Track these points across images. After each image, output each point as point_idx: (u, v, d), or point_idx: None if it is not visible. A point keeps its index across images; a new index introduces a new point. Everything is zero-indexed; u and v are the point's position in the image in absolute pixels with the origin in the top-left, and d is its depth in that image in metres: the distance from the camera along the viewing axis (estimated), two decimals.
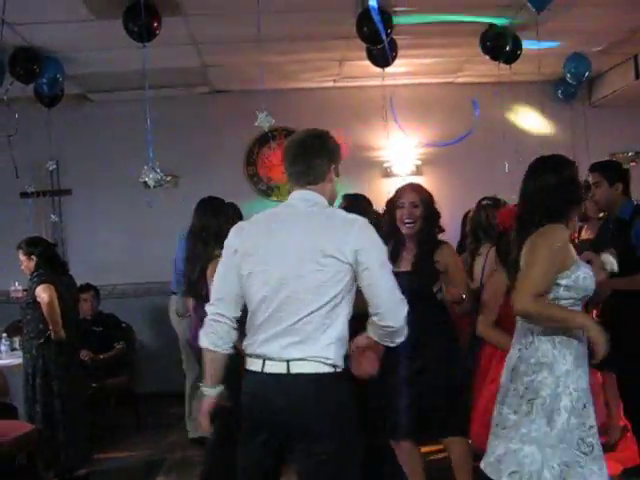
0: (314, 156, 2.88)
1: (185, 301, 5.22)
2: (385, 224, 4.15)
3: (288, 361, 2.66)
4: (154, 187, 5.63)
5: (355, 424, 2.76)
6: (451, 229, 7.11)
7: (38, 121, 6.95)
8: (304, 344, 2.66)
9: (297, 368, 2.66)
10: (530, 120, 7.83)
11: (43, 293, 5.28)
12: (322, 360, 2.66)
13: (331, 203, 2.96)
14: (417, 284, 3.76)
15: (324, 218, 2.81)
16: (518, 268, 3.04)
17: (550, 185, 3.05)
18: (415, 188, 4.11)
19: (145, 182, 5.61)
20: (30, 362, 5.33)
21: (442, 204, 7.31)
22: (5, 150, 6.26)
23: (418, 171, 8.40)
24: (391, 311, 2.70)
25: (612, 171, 4.63)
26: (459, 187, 8.09)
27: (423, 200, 4.01)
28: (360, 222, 2.76)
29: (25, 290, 5.73)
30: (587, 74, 7.20)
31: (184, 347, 6.16)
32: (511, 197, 5.21)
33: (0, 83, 6.09)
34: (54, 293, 5.29)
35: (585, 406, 2.97)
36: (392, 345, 2.80)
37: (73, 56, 6.40)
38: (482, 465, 3.11)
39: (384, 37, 5.31)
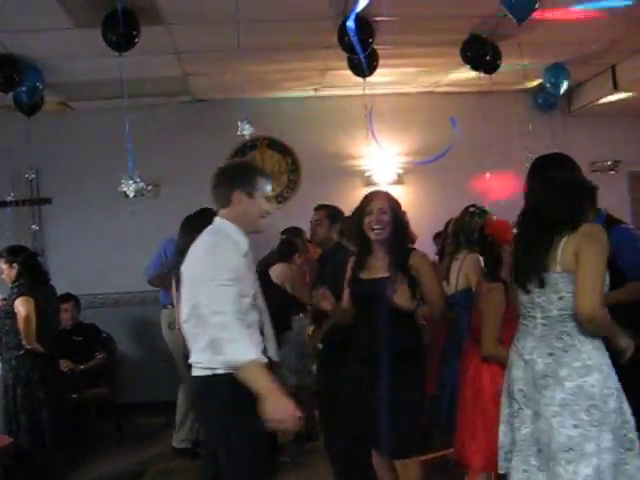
0: (216, 186, 3.36)
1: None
2: (352, 231, 4.20)
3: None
4: (134, 197, 5.61)
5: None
6: (430, 237, 7.18)
7: (18, 130, 6.91)
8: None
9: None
10: (510, 130, 7.88)
11: (20, 306, 5.24)
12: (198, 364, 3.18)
13: (251, 221, 3.33)
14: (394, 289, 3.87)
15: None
16: (544, 270, 2.97)
17: (569, 182, 3.07)
18: (383, 195, 4.07)
19: (125, 192, 5.59)
20: (10, 373, 5.29)
21: (423, 213, 7.45)
22: None
23: (399, 180, 8.42)
24: (208, 323, 3.05)
25: None
26: (440, 196, 8.14)
27: (391, 207, 3.97)
28: (200, 245, 3.27)
29: (4, 299, 5.68)
30: (566, 84, 7.26)
31: (180, 357, 5.97)
32: (492, 207, 5.29)
33: None
34: (32, 307, 5.25)
35: (623, 402, 2.96)
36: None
37: (53, 64, 6.37)
38: None
39: (361, 55, 5.37)
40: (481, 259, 4.45)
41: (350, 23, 3.14)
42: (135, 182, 5.52)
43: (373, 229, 3.91)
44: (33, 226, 7.73)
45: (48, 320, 5.45)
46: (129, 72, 5.51)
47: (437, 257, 6.60)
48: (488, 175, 6.93)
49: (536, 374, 2.99)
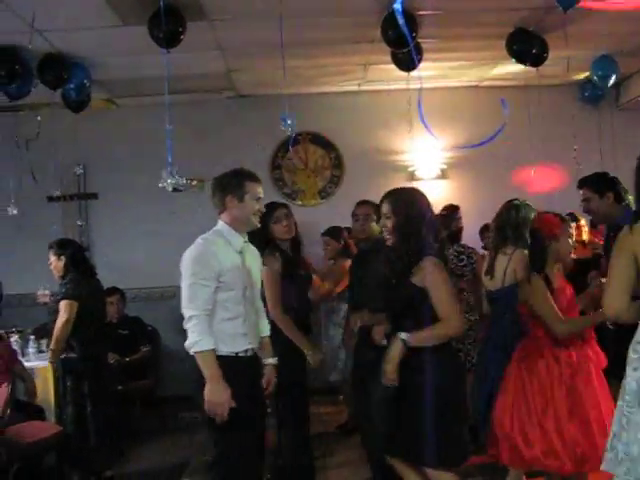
0: (212, 195, 3.88)
1: None
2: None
3: None
4: (173, 191, 5.67)
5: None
6: (476, 232, 7.11)
7: (66, 126, 7.02)
8: None
9: None
10: (557, 123, 7.77)
11: (64, 310, 5.32)
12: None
13: (245, 221, 3.78)
14: (388, 308, 3.80)
15: None
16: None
17: None
18: (390, 198, 3.76)
19: (164, 186, 5.65)
20: (59, 365, 5.38)
21: (467, 207, 7.38)
22: (32, 155, 6.33)
23: (443, 175, 8.38)
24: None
25: (599, 183, 4.66)
26: (485, 190, 8.06)
27: (395, 211, 3.68)
28: (191, 247, 3.72)
29: (52, 295, 5.78)
30: (614, 77, 7.13)
31: None
32: (538, 200, 5.20)
33: (28, 90, 6.18)
34: (74, 312, 5.33)
35: None
36: None
37: (100, 61, 6.46)
38: None
39: (410, 40, 5.28)
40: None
41: (397, 5, 3.11)
42: (173, 177, 5.57)
43: (384, 234, 3.77)
44: (79, 221, 7.84)
45: (96, 313, 5.53)
46: (174, 68, 5.56)
47: (484, 251, 6.55)
48: (534, 170, 6.83)
49: None
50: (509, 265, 4.43)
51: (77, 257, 5.59)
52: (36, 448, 4.75)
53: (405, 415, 3.59)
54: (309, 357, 4.61)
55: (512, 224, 4.54)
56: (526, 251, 4.29)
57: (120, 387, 6.54)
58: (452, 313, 3.54)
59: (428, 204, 3.74)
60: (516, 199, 4.78)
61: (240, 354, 3.69)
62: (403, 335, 3.51)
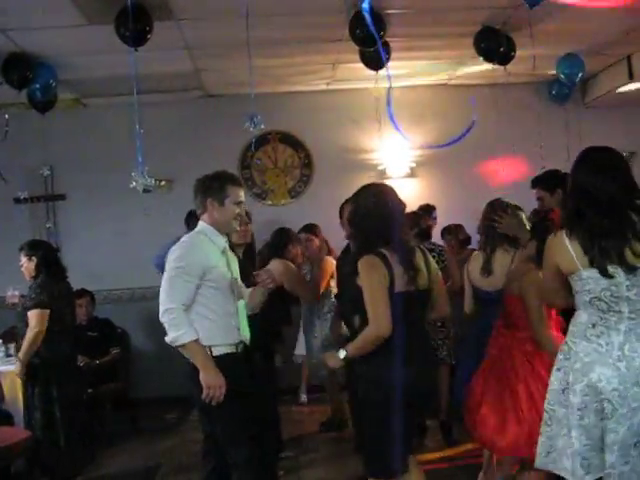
0: (195, 197, 3.92)
1: None
2: None
3: None
4: (143, 192, 5.64)
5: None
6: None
7: (32, 126, 6.94)
8: None
9: None
10: (524, 121, 7.84)
11: (35, 321, 5.25)
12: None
13: (225, 225, 3.86)
14: (342, 302, 3.83)
15: None
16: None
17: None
18: (358, 190, 3.74)
19: (134, 187, 5.62)
20: (28, 369, 5.31)
21: (437, 205, 7.42)
22: None
23: (412, 173, 8.41)
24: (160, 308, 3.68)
25: (549, 181, 4.74)
26: (453, 189, 8.12)
27: (354, 201, 3.72)
28: (178, 243, 3.80)
29: (23, 296, 5.70)
30: (580, 75, 7.21)
31: None
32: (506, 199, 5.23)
33: None
34: (45, 323, 5.26)
35: None
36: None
37: (66, 61, 6.39)
38: None
39: (378, 38, 5.30)
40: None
41: (365, 5, 3.12)
42: (144, 178, 5.54)
43: None
44: (47, 223, 7.77)
45: (62, 320, 5.46)
46: (142, 68, 5.51)
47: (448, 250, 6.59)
48: (502, 168, 6.89)
49: (634, 370, 2.86)
50: (513, 265, 4.37)
51: (49, 258, 5.53)
52: (5, 454, 4.69)
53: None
54: None
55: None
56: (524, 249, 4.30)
57: (90, 390, 6.48)
58: (377, 314, 3.39)
59: (386, 199, 3.60)
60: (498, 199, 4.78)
61: (231, 351, 3.79)
62: (342, 354, 3.53)
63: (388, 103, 4.86)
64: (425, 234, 6.19)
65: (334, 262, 6.12)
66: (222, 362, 3.70)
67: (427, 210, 6.94)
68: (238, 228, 4.05)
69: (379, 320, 3.38)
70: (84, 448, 5.67)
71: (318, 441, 6.34)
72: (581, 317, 3.01)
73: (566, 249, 2.96)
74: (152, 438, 6.71)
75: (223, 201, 3.82)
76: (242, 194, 3.93)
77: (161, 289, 3.71)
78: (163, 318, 3.65)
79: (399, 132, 4.83)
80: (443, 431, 5.99)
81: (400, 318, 3.39)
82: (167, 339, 3.65)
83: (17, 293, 6.33)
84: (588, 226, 2.93)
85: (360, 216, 3.60)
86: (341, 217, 4.88)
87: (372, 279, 3.43)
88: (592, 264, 2.90)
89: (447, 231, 7.00)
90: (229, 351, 3.77)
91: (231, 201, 3.83)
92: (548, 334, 3.83)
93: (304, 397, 7.70)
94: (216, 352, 3.72)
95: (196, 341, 3.63)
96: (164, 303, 3.66)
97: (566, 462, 2.98)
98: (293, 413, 7.15)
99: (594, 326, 2.96)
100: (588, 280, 2.94)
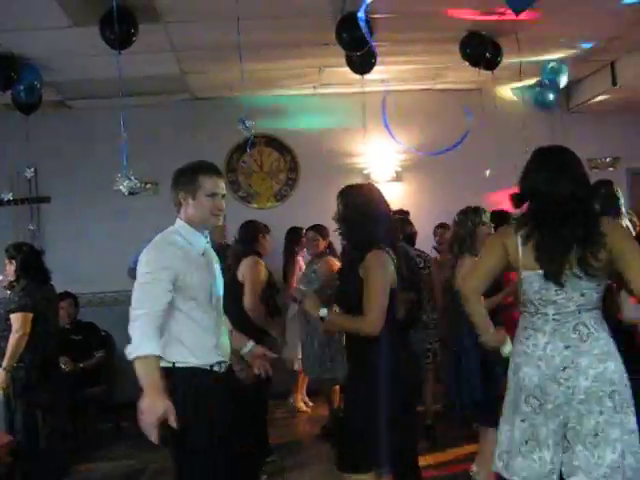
0: (171, 191, 3.45)
1: None
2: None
3: None
4: (128, 194, 5.61)
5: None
6: (430, 232, 7.16)
7: (16, 128, 6.91)
8: None
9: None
10: (509, 126, 7.88)
11: (19, 325, 5.21)
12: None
13: (201, 220, 3.37)
14: (341, 297, 3.65)
15: None
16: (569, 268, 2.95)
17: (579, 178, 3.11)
18: (341, 190, 3.69)
19: (119, 190, 5.59)
20: (9, 373, 5.27)
21: (421, 209, 7.44)
22: None
23: (398, 177, 8.42)
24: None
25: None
26: (438, 192, 8.15)
27: (342, 202, 3.63)
28: (148, 246, 3.33)
29: (6, 286, 5.61)
30: (565, 81, 7.25)
31: None
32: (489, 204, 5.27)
33: None
34: (29, 326, 5.22)
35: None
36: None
37: (51, 63, 6.37)
38: None
39: (371, 42, 5.27)
40: None
41: (361, 14, 3.14)
42: (129, 180, 5.51)
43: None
44: (31, 225, 7.71)
45: (45, 324, 5.42)
46: (127, 70, 5.49)
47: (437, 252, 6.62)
48: (488, 172, 6.91)
49: (553, 368, 2.97)
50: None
51: (30, 261, 5.48)
52: None
53: None
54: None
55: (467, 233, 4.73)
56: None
57: (74, 393, 6.45)
58: (376, 312, 3.35)
59: (380, 199, 3.63)
60: (461, 211, 4.91)
61: (214, 368, 3.29)
62: (323, 312, 3.47)
63: (383, 110, 4.88)
64: (410, 240, 6.21)
65: (337, 263, 6.23)
66: (194, 374, 3.23)
67: (404, 215, 6.91)
68: (220, 224, 3.51)
69: (376, 319, 3.35)
70: (67, 452, 5.63)
71: (303, 445, 6.33)
72: (519, 322, 3.17)
73: (515, 245, 3.07)
74: (136, 442, 6.62)
75: (195, 194, 3.32)
76: (220, 184, 3.40)
77: (132, 297, 3.20)
78: (131, 326, 3.15)
79: (391, 136, 4.85)
80: (428, 436, 5.98)
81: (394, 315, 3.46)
82: (126, 350, 3.10)
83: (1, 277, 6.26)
84: (535, 229, 3.02)
85: (354, 217, 3.56)
86: None
87: (379, 275, 3.41)
88: (534, 267, 3.01)
89: (442, 227, 6.88)
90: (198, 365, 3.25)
91: (204, 193, 3.32)
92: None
93: (301, 404, 7.56)
94: (180, 365, 3.23)
95: (153, 358, 3.05)
96: (134, 310, 3.15)
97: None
98: (281, 419, 7.14)
99: (525, 329, 3.11)
100: (524, 282, 3.07)
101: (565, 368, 2.95)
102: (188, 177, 3.37)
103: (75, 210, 8.08)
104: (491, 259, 3.20)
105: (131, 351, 3.08)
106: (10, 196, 7.34)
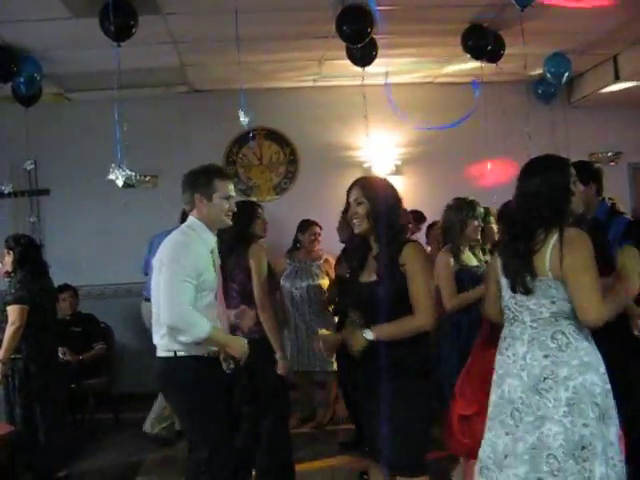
0: (183, 192, 3.78)
1: None
2: (343, 225, 4.11)
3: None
4: (125, 187, 5.59)
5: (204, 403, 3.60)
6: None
7: (16, 120, 6.89)
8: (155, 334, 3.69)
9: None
10: (511, 120, 7.85)
11: (15, 316, 5.19)
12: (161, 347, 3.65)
13: (214, 221, 3.72)
14: (383, 294, 3.41)
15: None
16: (534, 275, 2.98)
17: (539, 191, 3.04)
18: (360, 183, 3.58)
19: (114, 181, 5.58)
20: (8, 364, 5.27)
21: (422, 203, 7.42)
22: None
23: (398, 171, 8.40)
24: (174, 327, 3.50)
25: (586, 171, 4.55)
26: (439, 186, 8.11)
27: (369, 197, 3.48)
28: (169, 239, 3.68)
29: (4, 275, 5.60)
30: (567, 74, 7.23)
31: None
32: (493, 197, 5.26)
33: None
34: (24, 318, 5.22)
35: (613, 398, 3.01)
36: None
37: (51, 55, 6.35)
38: None
39: (377, 20, 5.18)
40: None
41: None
42: (123, 171, 5.50)
43: (352, 221, 3.56)
44: (31, 218, 7.71)
45: (43, 316, 5.41)
46: (126, 63, 5.48)
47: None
48: (489, 165, 6.90)
49: (534, 379, 2.96)
50: None
51: (28, 253, 5.47)
52: None
53: None
54: (280, 361, 4.54)
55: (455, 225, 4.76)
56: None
57: (74, 385, 6.46)
58: (429, 306, 3.35)
59: (397, 192, 3.60)
60: (454, 199, 4.90)
61: (211, 355, 3.66)
62: (368, 335, 3.35)
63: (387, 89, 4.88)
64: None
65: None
66: (197, 364, 3.60)
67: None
68: (230, 224, 3.82)
69: (430, 312, 3.34)
70: (67, 443, 5.63)
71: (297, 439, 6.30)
72: (501, 333, 3.19)
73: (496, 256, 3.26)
74: (135, 433, 6.67)
75: (211, 196, 3.67)
76: (231, 188, 3.76)
77: (161, 294, 3.52)
78: (173, 322, 3.48)
79: (398, 114, 4.83)
80: None
81: None
82: (185, 339, 3.49)
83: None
84: (502, 239, 3.26)
85: (386, 209, 3.45)
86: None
87: (426, 268, 3.42)
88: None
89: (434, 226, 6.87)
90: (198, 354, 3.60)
91: (219, 196, 3.68)
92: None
93: None
94: (180, 354, 3.59)
95: (213, 327, 3.56)
96: (169, 306, 3.48)
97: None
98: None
99: (505, 339, 3.13)
100: (502, 287, 3.15)
101: (545, 379, 2.94)
102: (204, 180, 3.69)
103: (75, 202, 8.07)
104: (490, 284, 3.33)
105: (197, 337, 3.49)
106: (10, 188, 7.34)
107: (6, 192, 7.40)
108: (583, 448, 2.87)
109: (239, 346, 3.67)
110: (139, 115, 7.18)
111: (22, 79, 6.29)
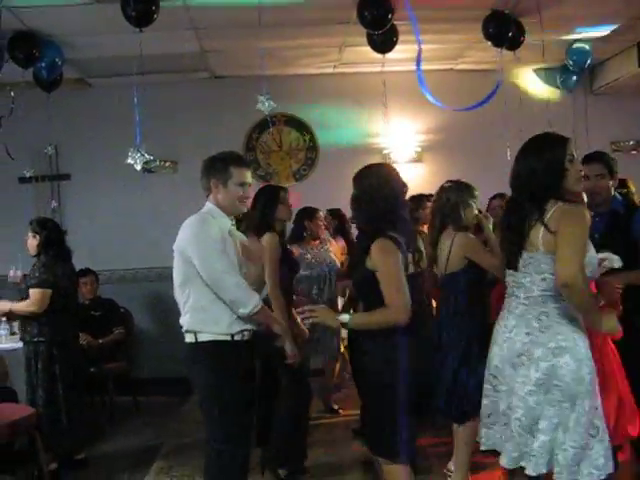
0: (201, 177, 3.83)
1: None
2: None
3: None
4: (146, 170, 5.60)
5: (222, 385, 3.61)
6: None
7: (37, 105, 6.93)
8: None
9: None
10: (532, 107, 7.80)
11: (34, 297, 5.25)
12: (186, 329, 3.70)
13: (229, 207, 3.76)
14: (355, 284, 3.66)
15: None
16: (527, 250, 3.07)
17: (533, 168, 3.13)
18: (355, 176, 3.62)
19: (132, 165, 5.60)
20: (31, 347, 5.32)
21: None
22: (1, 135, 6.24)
23: (418, 158, 8.38)
24: (235, 300, 3.57)
25: (612, 162, 4.47)
26: (459, 173, 8.00)
27: (359, 186, 3.55)
28: (187, 223, 3.69)
29: (25, 275, 5.70)
30: (589, 62, 7.16)
31: None
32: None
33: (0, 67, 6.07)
34: (45, 303, 5.26)
35: (595, 388, 3.03)
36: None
37: (72, 40, 6.37)
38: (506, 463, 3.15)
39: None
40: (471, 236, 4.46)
41: None
42: (142, 155, 5.52)
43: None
44: (52, 202, 7.77)
45: (65, 300, 5.45)
46: (148, 48, 5.50)
47: None
48: (509, 154, 6.84)
49: (512, 352, 3.09)
50: (451, 250, 4.43)
51: (53, 238, 5.51)
52: (9, 430, 4.71)
53: None
54: (288, 350, 4.41)
55: (447, 209, 4.54)
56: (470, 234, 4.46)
57: (93, 369, 6.52)
58: (400, 300, 3.29)
59: (394, 181, 3.53)
60: (449, 181, 4.79)
61: (236, 337, 3.65)
62: (345, 317, 3.38)
63: (421, 83, 4.88)
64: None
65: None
66: (219, 346, 3.62)
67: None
68: (245, 210, 3.92)
69: (402, 306, 3.28)
70: (86, 426, 5.69)
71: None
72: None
73: None
74: (154, 418, 6.75)
75: (226, 182, 3.73)
76: (247, 175, 3.80)
77: (212, 268, 3.55)
78: (234, 295, 3.56)
79: (439, 104, 4.82)
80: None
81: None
82: (245, 311, 3.57)
83: (19, 273, 6.35)
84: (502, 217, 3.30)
85: (365, 199, 3.48)
86: None
87: (390, 263, 3.32)
88: None
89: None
90: (220, 339, 3.62)
91: (234, 182, 3.73)
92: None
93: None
94: (202, 338, 3.63)
95: (262, 303, 3.69)
96: (228, 282, 3.55)
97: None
98: None
99: (503, 310, 3.24)
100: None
101: (520, 355, 3.06)
102: (220, 166, 3.75)
103: (95, 187, 8.12)
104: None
105: (254, 308, 3.59)
106: (31, 173, 7.40)
107: (27, 177, 7.47)
108: (537, 423, 3.01)
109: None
110: (159, 101, 7.20)
111: (43, 64, 6.32)
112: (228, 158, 3.79)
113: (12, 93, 6.36)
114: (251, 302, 3.58)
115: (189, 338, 3.68)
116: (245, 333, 3.69)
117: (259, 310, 3.63)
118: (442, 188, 4.70)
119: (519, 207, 3.12)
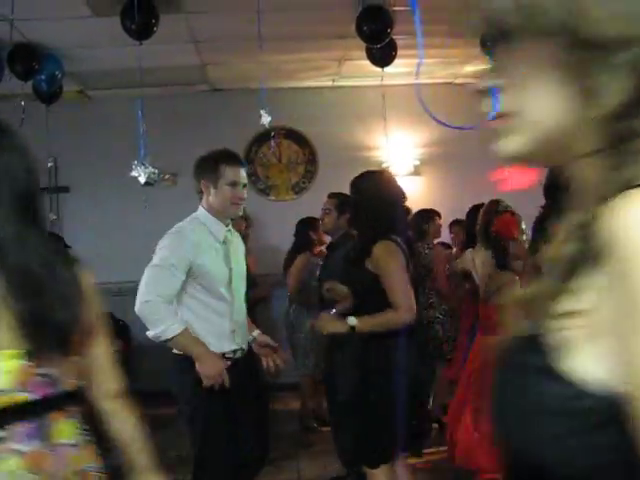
0: (193, 179, 3.56)
1: None
2: None
3: None
4: (146, 183, 5.61)
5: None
6: (445, 228, 7.13)
7: (36, 118, 6.93)
8: None
9: None
10: None
11: None
12: None
13: (221, 209, 3.43)
14: (351, 287, 3.65)
15: None
16: None
17: None
18: (354, 181, 3.65)
19: (137, 177, 5.60)
20: None
21: (440, 204, 7.40)
22: None
23: (416, 171, 8.39)
24: (140, 316, 3.36)
25: None
26: (458, 187, 8.09)
27: (354, 192, 3.61)
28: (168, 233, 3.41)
29: None
30: None
31: None
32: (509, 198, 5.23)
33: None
34: None
35: None
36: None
37: (72, 53, 6.39)
38: None
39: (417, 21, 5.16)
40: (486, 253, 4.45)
41: None
42: (146, 167, 5.52)
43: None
44: (51, 215, 7.76)
45: None
46: (147, 61, 5.52)
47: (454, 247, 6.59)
48: (507, 168, 6.85)
49: None
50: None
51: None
52: None
53: None
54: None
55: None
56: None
57: None
58: (407, 300, 3.31)
59: (391, 188, 3.58)
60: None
61: (227, 355, 3.42)
62: (351, 320, 3.33)
63: (419, 98, 4.89)
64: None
65: None
66: (185, 366, 3.40)
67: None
68: (240, 214, 3.66)
69: (409, 306, 3.30)
70: None
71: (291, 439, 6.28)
72: None
73: None
74: (152, 431, 6.68)
75: (217, 182, 3.40)
76: (241, 173, 3.48)
77: (142, 278, 3.37)
78: (141, 312, 3.30)
79: (440, 122, 4.88)
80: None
81: None
82: (149, 334, 3.30)
83: None
84: None
85: (365, 203, 3.50)
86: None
87: (394, 265, 3.33)
88: None
89: (457, 223, 6.81)
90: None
91: (226, 182, 3.40)
92: None
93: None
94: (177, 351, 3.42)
95: (185, 331, 3.26)
96: (142, 295, 3.30)
97: None
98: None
99: None
100: None
101: None
102: (210, 165, 3.45)
103: (94, 200, 8.12)
104: None
105: (157, 336, 3.28)
106: None
107: None
108: None
109: (212, 364, 3.27)
110: (158, 113, 7.21)
111: (43, 77, 6.33)
112: (218, 156, 3.51)
113: (23, 103, 6.37)
114: (157, 328, 3.27)
115: (176, 350, 3.48)
116: (238, 352, 3.49)
117: (170, 340, 3.31)
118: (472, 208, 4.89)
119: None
